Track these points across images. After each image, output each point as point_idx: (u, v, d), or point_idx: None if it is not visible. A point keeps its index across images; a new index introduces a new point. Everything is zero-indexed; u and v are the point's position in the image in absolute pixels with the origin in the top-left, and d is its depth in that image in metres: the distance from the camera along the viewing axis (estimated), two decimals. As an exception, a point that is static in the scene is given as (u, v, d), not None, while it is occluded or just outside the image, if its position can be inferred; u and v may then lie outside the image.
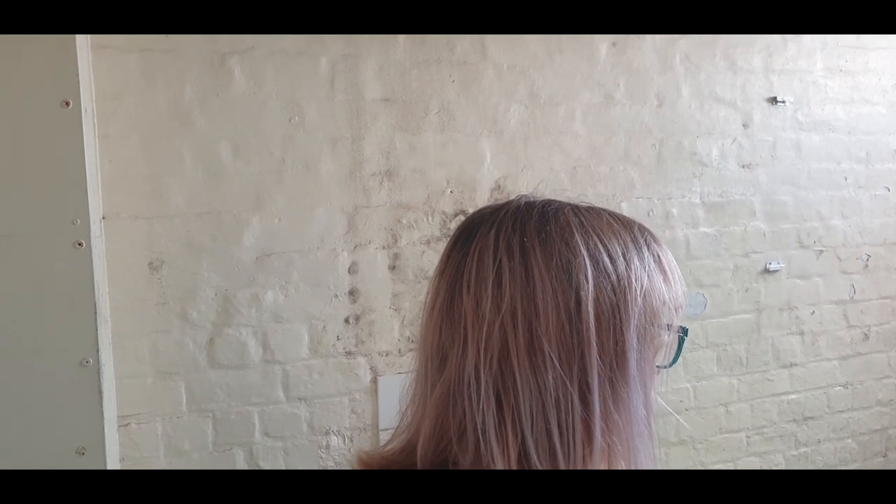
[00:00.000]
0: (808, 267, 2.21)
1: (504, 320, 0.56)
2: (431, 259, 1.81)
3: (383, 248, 1.78)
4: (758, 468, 2.24)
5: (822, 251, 2.22)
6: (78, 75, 1.39)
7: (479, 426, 0.55)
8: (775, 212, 2.13)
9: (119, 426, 1.63)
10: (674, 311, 0.62)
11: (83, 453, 1.47)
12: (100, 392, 1.49)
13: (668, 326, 0.61)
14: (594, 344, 0.57)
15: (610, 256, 0.59)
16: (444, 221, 1.81)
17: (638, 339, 0.59)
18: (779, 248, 2.15)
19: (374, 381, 1.81)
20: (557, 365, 0.55)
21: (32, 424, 1.45)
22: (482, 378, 0.56)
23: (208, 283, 1.66)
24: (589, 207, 0.63)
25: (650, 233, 0.64)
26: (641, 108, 1.92)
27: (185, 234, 1.63)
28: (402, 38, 1.72)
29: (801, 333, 2.23)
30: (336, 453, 1.81)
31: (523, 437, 0.55)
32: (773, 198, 2.12)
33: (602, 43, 1.87)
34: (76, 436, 1.47)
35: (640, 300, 0.59)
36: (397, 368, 1.82)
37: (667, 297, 0.61)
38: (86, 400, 1.49)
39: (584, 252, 0.59)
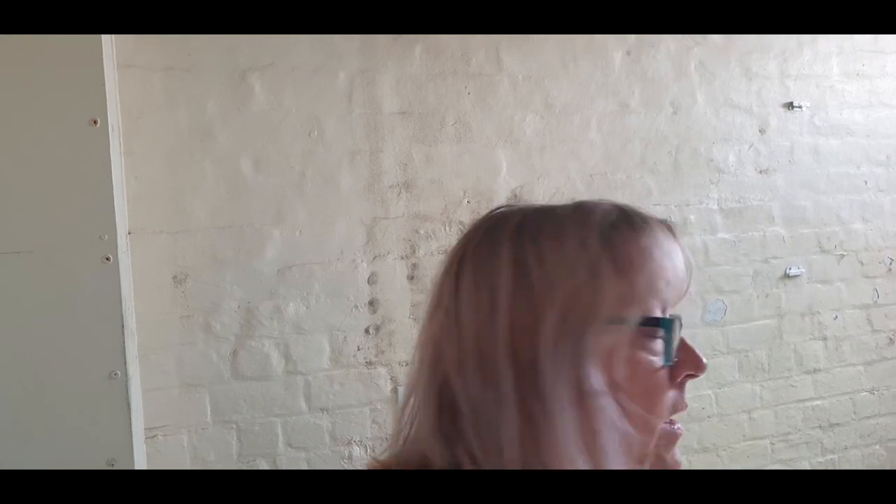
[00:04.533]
0: (830, 271, 2.19)
1: (440, 336, 0.60)
2: (450, 269, 1.83)
3: (402, 258, 1.80)
4: (783, 476, 2.21)
5: (843, 255, 2.20)
6: (105, 94, 1.43)
7: (423, 431, 0.60)
8: (794, 217, 2.12)
9: (146, 438, 1.65)
10: (629, 305, 0.58)
11: (113, 465, 1.49)
12: (128, 404, 1.51)
13: (623, 321, 0.57)
14: (507, 352, 0.58)
15: (539, 260, 0.59)
16: (462, 232, 1.82)
17: (560, 342, 0.57)
18: (799, 254, 2.13)
19: (395, 391, 1.83)
20: (480, 375, 0.58)
21: (63, 437, 1.47)
22: (431, 389, 0.60)
23: (231, 296, 1.69)
24: (545, 209, 0.63)
25: (621, 220, 0.61)
26: (657, 116, 1.93)
27: (208, 247, 1.66)
28: (417, 52, 1.75)
29: (824, 339, 2.21)
30: (359, 463, 1.83)
31: (462, 440, 0.58)
32: (791, 203, 2.11)
33: (616, 52, 1.88)
34: (106, 448, 1.49)
35: (560, 301, 0.58)
36: (418, 378, 1.84)
37: (614, 291, 0.58)
38: (114, 412, 1.52)
39: (510, 261, 0.60)
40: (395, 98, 1.74)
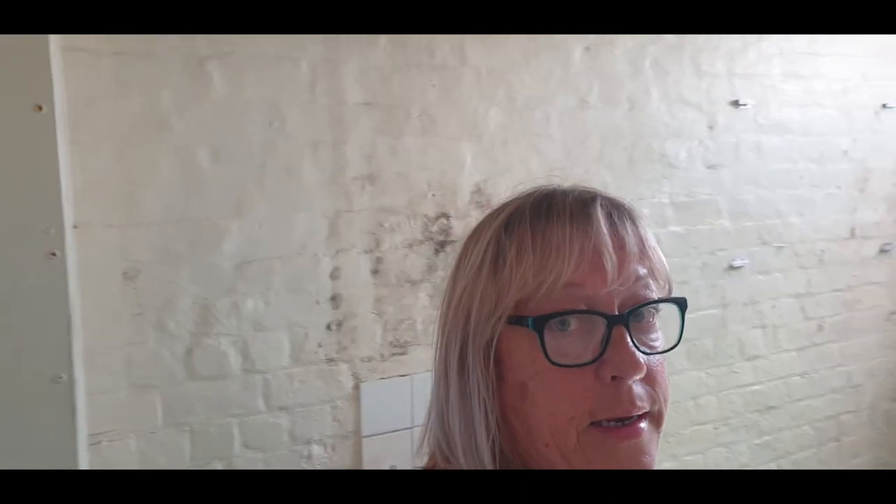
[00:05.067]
0: (769, 263, 2.30)
1: None
2: (414, 263, 1.81)
3: (365, 252, 1.77)
4: (724, 458, 2.32)
5: (781, 247, 2.32)
6: (51, 78, 1.33)
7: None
8: (739, 210, 2.21)
9: (90, 444, 1.56)
10: (504, 301, 0.59)
11: (58, 474, 1.40)
12: (73, 409, 1.43)
13: (499, 318, 0.59)
14: (437, 345, 0.65)
15: (463, 255, 0.65)
16: (427, 225, 1.81)
17: (464, 336, 0.61)
18: (742, 246, 2.23)
19: (357, 387, 1.80)
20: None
21: (1, 445, 1.37)
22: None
23: (186, 292, 1.61)
24: (494, 209, 0.66)
25: (518, 216, 0.61)
26: (614, 112, 1.97)
27: (161, 242, 1.58)
28: (382, 43, 1.71)
29: (764, 327, 2.32)
30: (318, 463, 1.79)
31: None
32: (736, 197, 2.20)
33: (576, 48, 1.90)
34: (47, 456, 1.40)
35: (459, 294, 0.62)
36: (380, 374, 1.81)
37: (492, 287, 0.59)
38: (58, 418, 1.42)
39: (454, 263, 0.66)
40: (359, 89, 1.70)
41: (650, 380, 0.58)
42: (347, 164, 1.72)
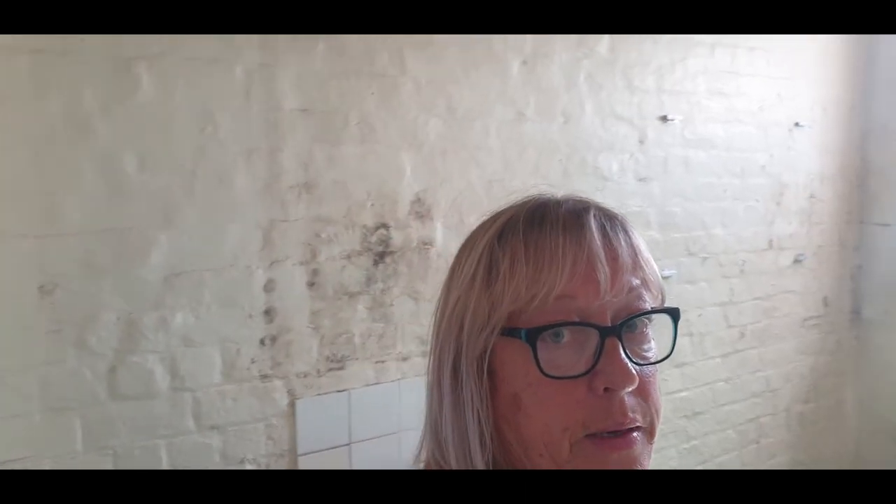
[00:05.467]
0: (695, 273, 2.38)
1: None
2: (352, 274, 1.77)
3: (301, 263, 1.71)
4: (655, 464, 2.37)
5: (706, 258, 2.40)
6: (-39, 76, 1.23)
7: None
8: (667, 222, 2.28)
9: (-2, 472, 1.44)
10: (497, 313, 0.59)
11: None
12: (-18, 436, 1.31)
13: (492, 330, 0.59)
14: (431, 355, 0.65)
15: (457, 264, 0.65)
16: (365, 235, 1.77)
17: (457, 347, 0.61)
18: (671, 256, 2.30)
19: (292, 404, 1.73)
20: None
21: None
22: None
23: (109, 307, 1.52)
24: (487, 218, 0.66)
25: (511, 227, 0.61)
26: (549, 125, 1.99)
27: (82, 253, 1.48)
28: (320, 48, 1.67)
29: (691, 335, 2.39)
30: (250, 483, 1.71)
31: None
32: (665, 209, 2.26)
33: (513, 61, 1.92)
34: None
35: (453, 304, 0.62)
36: (316, 390, 1.76)
37: (485, 299, 0.59)
38: (-36, 446, 1.31)
39: (449, 273, 0.66)
40: (296, 95, 1.65)
41: (642, 392, 0.59)
42: (283, 172, 1.66)
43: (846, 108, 2.70)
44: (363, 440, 1.81)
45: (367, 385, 1.82)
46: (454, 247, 2.03)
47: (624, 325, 0.58)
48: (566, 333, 0.58)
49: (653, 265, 0.62)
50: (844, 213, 2.75)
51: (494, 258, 0.60)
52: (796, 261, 2.63)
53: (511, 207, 0.65)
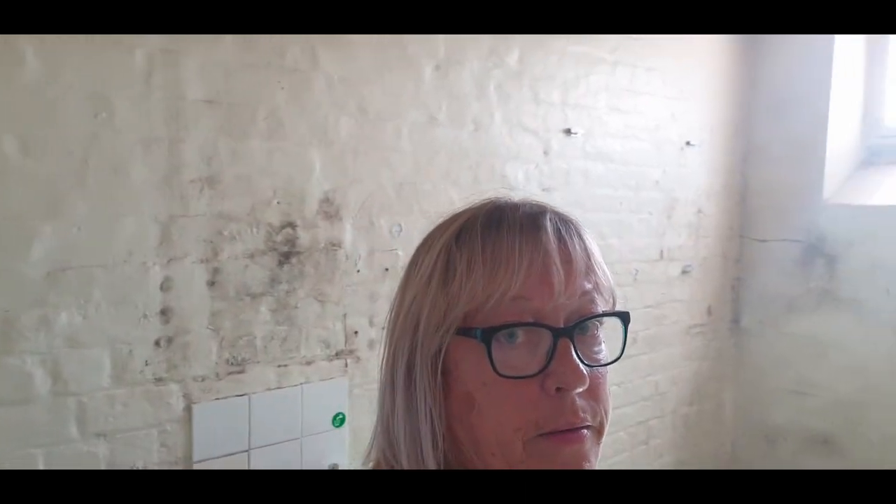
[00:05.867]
0: (593, 281, 2.46)
1: None
2: (255, 274, 1.70)
3: (201, 262, 1.63)
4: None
5: (603, 267, 2.49)
6: None
7: None
8: (568, 231, 2.34)
9: None
10: (453, 313, 0.60)
11: None
12: None
13: (448, 329, 0.60)
14: (385, 353, 0.67)
15: (414, 264, 0.66)
16: (270, 234, 1.72)
17: (412, 346, 0.62)
18: (571, 265, 2.37)
19: (188, 409, 1.64)
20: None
21: None
22: None
23: (-17, 304, 1.39)
24: (445, 219, 0.67)
25: (468, 228, 0.62)
26: (460, 132, 2.01)
27: (-47, 244, 1.34)
28: (229, 38, 1.60)
29: (588, 341, 2.47)
30: (138, 494, 1.61)
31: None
32: (567, 219, 2.33)
33: (427, 66, 1.92)
34: None
35: (409, 303, 0.63)
36: (215, 394, 1.68)
37: (441, 299, 0.60)
38: None
39: (405, 272, 0.67)
40: (200, 84, 1.57)
41: (592, 393, 0.60)
42: (184, 165, 1.58)
43: (731, 130, 2.89)
44: (263, 446, 1.74)
45: (269, 389, 1.76)
46: (363, 248, 2.00)
47: (576, 327, 0.60)
48: (520, 334, 0.59)
49: (605, 269, 0.64)
50: (727, 227, 2.95)
51: (452, 258, 0.61)
52: (684, 271, 2.78)
53: (469, 209, 0.66)
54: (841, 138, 2.86)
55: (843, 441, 2.79)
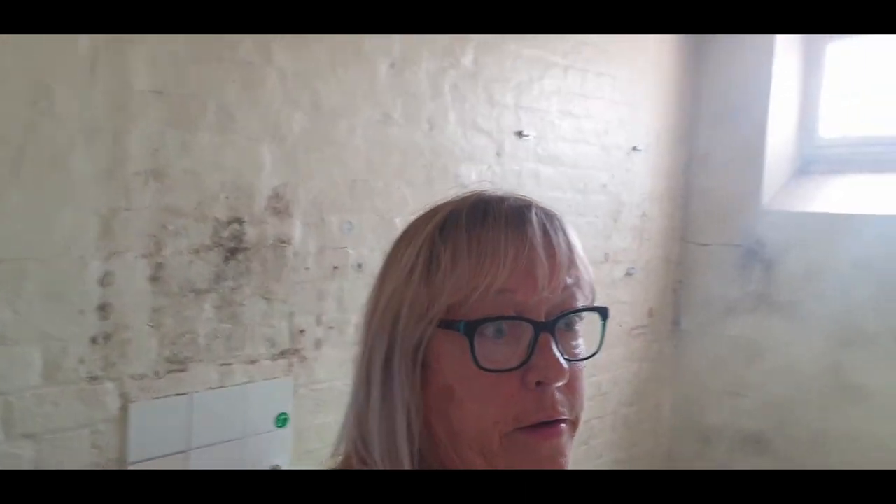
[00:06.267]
0: (541, 283, 2.49)
1: None
2: (200, 269, 1.66)
3: (144, 256, 1.58)
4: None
5: (551, 269, 2.52)
6: None
7: None
8: (518, 233, 2.36)
9: None
10: (436, 305, 0.59)
11: None
12: None
13: (430, 321, 0.60)
14: (361, 340, 0.66)
15: (393, 256, 0.66)
16: (217, 229, 1.67)
17: (391, 339, 0.62)
18: (520, 266, 2.39)
19: (125, 408, 1.59)
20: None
21: None
22: None
23: None
24: (427, 211, 0.66)
25: (454, 220, 0.61)
26: (415, 131, 2.00)
27: None
28: (178, 27, 1.55)
29: (534, 342, 2.50)
30: (71, 496, 1.55)
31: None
32: (517, 220, 2.35)
33: (382, 63, 1.90)
34: None
35: (388, 296, 0.63)
36: (153, 393, 1.63)
37: (423, 290, 0.60)
38: None
39: (384, 263, 0.67)
40: (149, 75, 1.52)
41: (570, 387, 0.61)
42: (128, 157, 1.53)
43: (676, 137, 2.96)
44: (204, 446, 1.70)
45: (211, 388, 1.72)
46: (312, 246, 1.97)
47: (558, 322, 0.60)
48: (503, 327, 0.59)
49: (587, 265, 0.64)
50: (670, 231, 3.02)
51: (435, 250, 0.60)
52: (628, 274, 2.84)
53: (451, 202, 0.65)
54: (779, 147, 2.97)
55: (774, 440, 2.90)
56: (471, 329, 0.58)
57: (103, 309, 1.54)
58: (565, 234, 0.63)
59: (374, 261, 1.96)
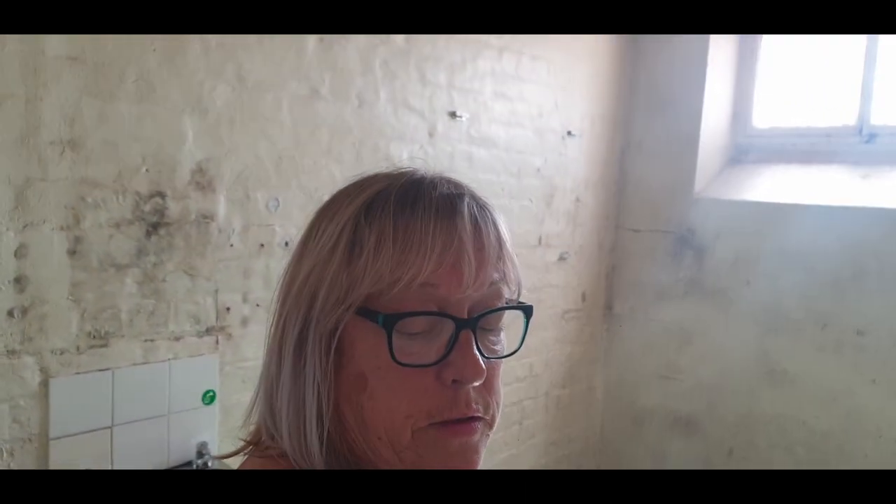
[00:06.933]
0: (474, 264, 2.51)
1: None
2: (120, 244, 1.63)
3: (62, 229, 1.55)
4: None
5: (485, 250, 2.55)
6: None
7: None
8: (451, 214, 2.38)
9: None
10: (356, 290, 0.57)
11: None
12: None
13: (348, 306, 0.57)
14: (274, 318, 0.64)
15: (315, 232, 0.62)
16: (138, 203, 1.65)
17: (306, 318, 0.60)
18: (453, 246, 2.40)
19: (45, 383, 1.56)
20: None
21: None
22: None
23: None
24: (353, 183, 0.64)
25: (381, 201, 0.59)
26: (344, 107, 1.99)
27: None
28: (95, -7, 1.52)
29: (467, 322, 2.53)
30: (-16, 474, 1.51)
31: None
32: (450, 201, 2.37)
33: (310, 36, 1.90)
34: None
35: (306, 273, 0.60)
36: (75, 368, 1.60)
37: (345, 273, 0.58)
38: None
39: (306, 229, 0.64)
40: (62, 39, 1.49)
41: (486, 386, 0.59)
42: (43, 125, 1.49)
43: (610, 124, 3.03)
44: (127, 422, 1.68)
45: (135, 364, 1.69)
46: (237, 222, 1.95)
47: (479, 319, 0.58)
48: (422, 322, 0.57)
49: (514, 260, 0.63)
50: (603, 217, 3.09)
51: (359, 233, 0.58)
52: (561, 258, 2.90)
53: (380, 178, 0.62)
54: (713, 136, 3.06)
55: (703, 422, 3.00)
56: (389, 323, 0.55)
57: (19, 281, 1.51)
58: (496, 227, 0.61)
59: (304, 238, 1.96)
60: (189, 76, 1.68)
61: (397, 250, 0.56)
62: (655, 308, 3.12)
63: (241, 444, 0.67)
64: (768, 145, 3.10)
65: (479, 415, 0.58)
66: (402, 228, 0.56)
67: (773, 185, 2.96)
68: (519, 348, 0.64)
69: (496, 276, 0.59)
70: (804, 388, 2.71)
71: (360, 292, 0.57)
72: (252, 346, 1.89)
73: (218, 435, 1.85)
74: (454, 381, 0.57)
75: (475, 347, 0.57)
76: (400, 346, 0.56)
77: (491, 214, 0.61)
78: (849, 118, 2.83)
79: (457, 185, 0.63)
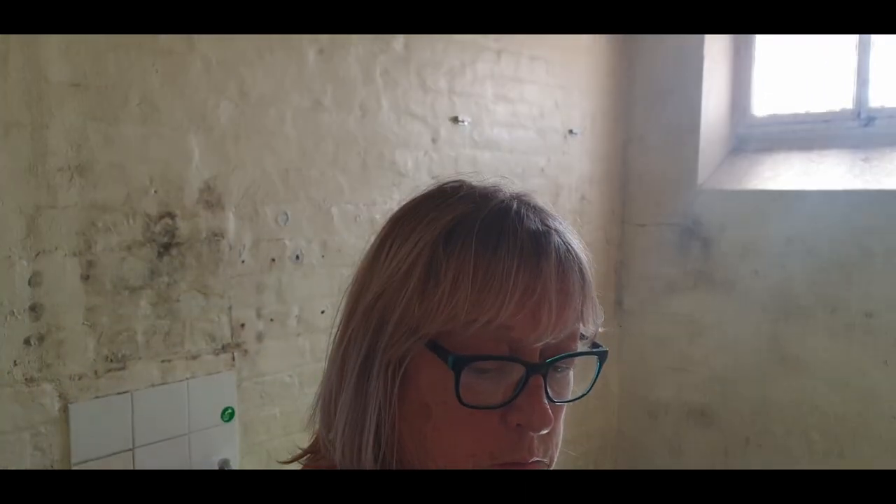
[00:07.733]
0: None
1: None
2: (133, 266, 1.63)
3: (74, 255, 1.55)
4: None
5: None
6: None
7: None
8: (458, 218, 2.38)
9: None
10: (430, 322, 0.55)
11: None
12: None
13: (418, 336, 0.55)
14: (341, 329, 0.62)
15: (390, 249, 0.59)
16: (148, 224, 1.65)
17: (373, 341, 0.58)
18: (462, 250, 2.40)
19: (65, 409, 1.56)
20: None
21: None
22: None
23: None
24: (434, 196, 0.61)
25: (466, 229, 0.56)
26: (347, 117, 2.00)
27: None
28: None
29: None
30: None
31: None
32: (456, 205, 2.36)
33: (310, 48, 1.90)
34: None
35: (375, 295, 0.58)
36: (94, 393, 1.60)
37: (420, 302, 0.55)
38: None
39: (377, 241, 0.61)
40: (64, 65, 1.49)
41: (549, 430, 0.57)
42: (49, 153, 1.49)
43: (611, 120, 3.03)
44: (148, 444, 1.67)
45: (153, 385, 1.69)
46: (247, 238, 1.95)
47: (552, 364, 0.55)
48: (492, 362, 0.54)
49: (596, 302, 0.60)
50: (609, 213, 3.08)
51: (436, 263, 0.55)
52: (569, 255, 2.89)
53: (463, 196, 0.59)
54: (713, 127, 3.05)
55: (717, 413, 2.99)
56: (459, 365, 0.53)
57: (35, 309, 1.51)
58: (581, 269, 0.58)
59: (313, 251, 1.96)
60: (192, 95, 1.68)
61: (475, 290, 0.53)
62: (665, 301, 3.11)
63: (298, 451, 0.67)
64: (768, 134, 3.09)
65: (539, 459, 0.57)
66: (484, 268, 0.54)
67: (775, 173, 2.95)
68: (588, 392, 0.62)
69: (576, 322, 0.57)
70: (817, 373, 2.70)
71: (431, 328, 0.55)
72: (268, 360, 1.89)
73: (239, 451, 1.84)
74: (519, 425, 0.55)
75: (545, 396, 0.55)
76: (467, 382, 0.54)
77: (576, 254, 0.58)
78: (846, 102, 2.82)
79: (543, 217, 0.60)
